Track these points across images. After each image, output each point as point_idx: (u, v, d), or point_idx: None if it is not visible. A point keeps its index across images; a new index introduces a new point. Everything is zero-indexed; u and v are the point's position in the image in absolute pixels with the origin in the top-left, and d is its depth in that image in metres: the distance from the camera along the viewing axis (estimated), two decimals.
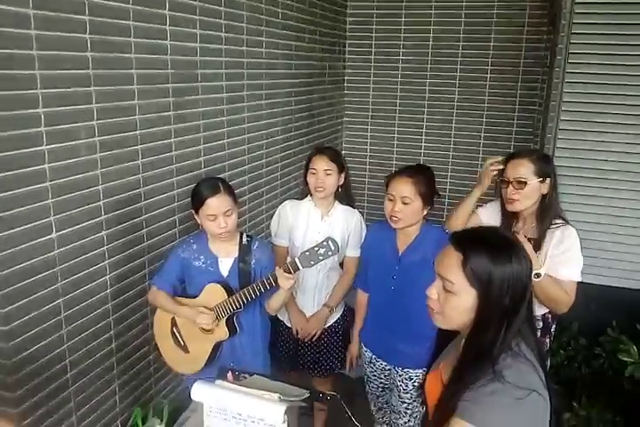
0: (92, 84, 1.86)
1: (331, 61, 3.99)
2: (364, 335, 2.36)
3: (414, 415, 2.23)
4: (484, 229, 1.23)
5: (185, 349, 2.10)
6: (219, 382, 1.40)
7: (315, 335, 2.43)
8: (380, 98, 4.26)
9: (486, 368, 1.08)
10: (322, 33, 3.73)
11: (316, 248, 1.88)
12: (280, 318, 2.51)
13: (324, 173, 2.32)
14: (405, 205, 2.05)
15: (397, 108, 4.26)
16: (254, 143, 3.02)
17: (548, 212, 2.05)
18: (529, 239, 1.95)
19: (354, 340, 2.41)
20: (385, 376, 2.29)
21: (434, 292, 1.16)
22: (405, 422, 2.24)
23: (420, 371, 2.10)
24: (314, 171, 2.34)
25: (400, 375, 2.19)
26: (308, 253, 1.89)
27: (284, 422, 1.30)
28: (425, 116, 4.17)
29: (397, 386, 2.21)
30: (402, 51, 4.12)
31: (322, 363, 2.50)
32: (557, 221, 2.06)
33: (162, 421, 2.26)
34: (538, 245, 2.01)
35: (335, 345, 2.51)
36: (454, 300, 1.13)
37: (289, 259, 1.94)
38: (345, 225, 2.40)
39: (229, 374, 1.46)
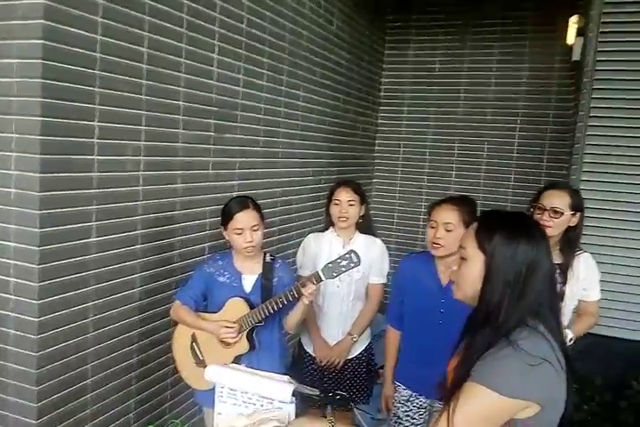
0: (143, 108, 2.09)
1: (363, 124, 4.28)
2: (400, 373, 2.23)
3: None
4: (513, 212, 1.30)
5: (203, 364, 2.10)
6: (232, 364, 1.43)
7: (338, 364, 2.41)
8: (409, 160, 4.57)
9: (497, 337, 1.10)
10: (357, 96, 4.05)
11: (339, 260, 1.93)
12: (305, 348, 2.51)
13: (347, 204, 2.42)
14: (448, 232, 2.03)
15: (426, 170, 4.49)
16: (286, 188, 3.22)
17: (576, 242, 2.20)
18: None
19: (387, 380, 2.27)
20: (419, 416, 2.17)
21: (455, 263, 1.26)
22: None
23: None
24: (337, 202, 2.44)
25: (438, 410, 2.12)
26: (330, 265, 1.94)
27: (291, 402, 1.31)
28: (453, 178, 4.37)
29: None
30: (431, 116, 4.42)
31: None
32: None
33: None
34: (564, 272, 2.13)
35: (359, 378, 2.46)
36: (465, 266, 1.20)
37: (309, 272, 1.99)
38: (367, 252, 2.42)
39: (243, 365, 1.50)
